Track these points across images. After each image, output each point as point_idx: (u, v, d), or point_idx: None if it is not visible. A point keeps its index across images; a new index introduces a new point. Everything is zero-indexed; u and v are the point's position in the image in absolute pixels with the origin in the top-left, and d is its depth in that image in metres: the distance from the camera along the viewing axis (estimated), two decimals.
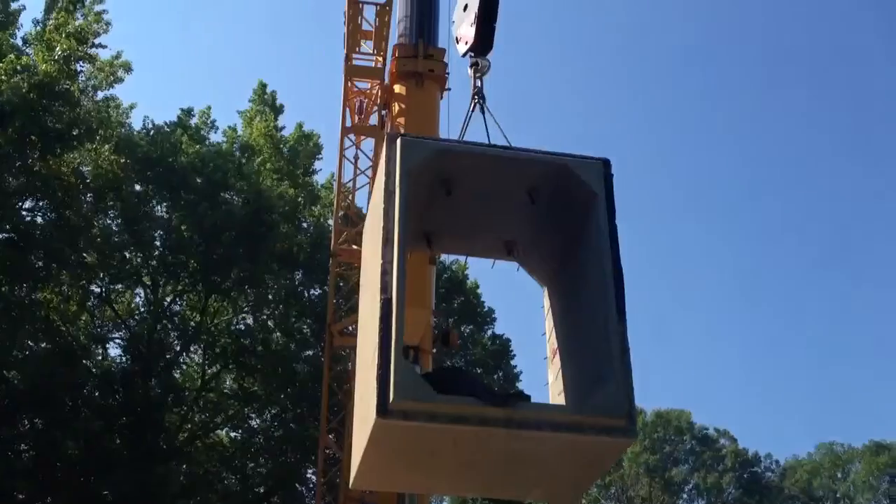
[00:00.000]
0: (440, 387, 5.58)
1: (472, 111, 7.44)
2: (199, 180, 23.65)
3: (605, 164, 6.21)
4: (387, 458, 5.89)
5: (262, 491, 28.33)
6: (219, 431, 28.87)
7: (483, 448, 5.72)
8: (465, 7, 7.91)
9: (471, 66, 7.73)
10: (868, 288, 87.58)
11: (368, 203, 6.97)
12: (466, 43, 7.79)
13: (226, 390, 28.10)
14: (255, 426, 28.35)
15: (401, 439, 5.60)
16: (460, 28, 7.98)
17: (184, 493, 26.85)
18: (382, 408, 5.30)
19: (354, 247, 18.36)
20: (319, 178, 27.23)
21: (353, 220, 19.21)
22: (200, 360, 27.47)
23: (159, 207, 24.64)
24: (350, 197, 19.17)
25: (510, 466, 6.00)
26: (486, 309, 29.83)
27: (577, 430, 5.61)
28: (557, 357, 6.58)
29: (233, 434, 28.88)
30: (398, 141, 5.98)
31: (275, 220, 24.00)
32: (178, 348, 26.57)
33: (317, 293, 25.50)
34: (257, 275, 24.49)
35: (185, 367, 28.05)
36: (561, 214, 6.46)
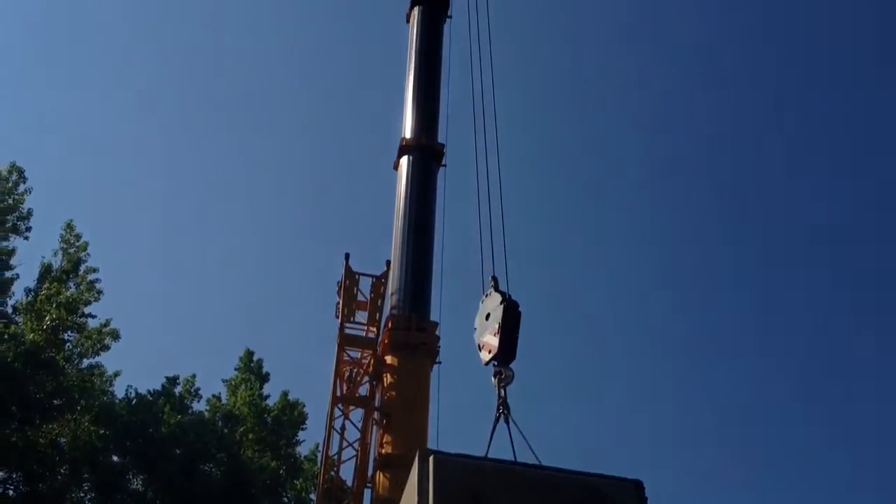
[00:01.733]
0: None
1: (498, 422, 7.52)
2: (178, 451, 22.98)
3: (638, 485, 6.21)
4: None
5: None
6: None
7: None
8: (488, 316, 8.14)
9: (494, 376, 7.85)
10: None
11: None
12: (490, 352, 7.94)
13: None
14: None
15: None
16: (483, 336, 8.14)
17: None
18: None
19: None
20: (303, 449, 26.61)
21: (337, 494, 18.26)
22: None
23: (135, 479, 23.81)
24: (335, 469, 18.32)
25: None
26: None
27: None
28: None
29: None
30: (431, 459, 6.12)
31: (255, 494, 22.99)
32: None
33: None
34: None
35: None
36: None
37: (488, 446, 7.10)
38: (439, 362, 18.43)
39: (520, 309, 7.92)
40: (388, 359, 18.39)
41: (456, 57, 18.29)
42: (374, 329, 18.75)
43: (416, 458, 6.09)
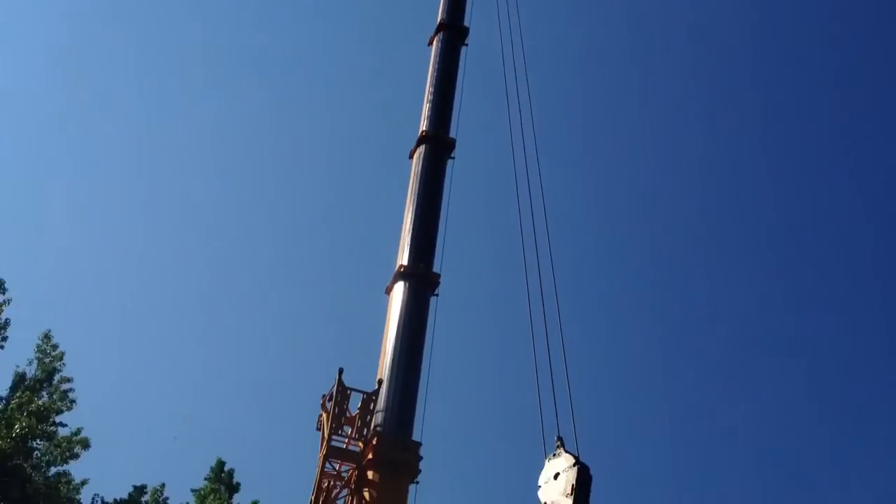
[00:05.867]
0: None
1: None
2: None
3: None
4: None
5: None
6: None
7: None
8: (556, 476, 8.57)
9: None
10: None
11: None
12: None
13: None
14: None
15: None
16: (551, 495, 8.56)
17: None
18: None
19: None
20: None
21: None
22: None
23: None
24: None
25: None
26: None
27: None
28: None
29: None
30: None
31: None
32: None
33: None
34: None
35: None
36: None
37: None
38: (417, 482, 19.12)
39: (590, 473, 8.50)
40: (370, 474, 18.95)
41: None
42: (360, 444, 19.34)
43: None
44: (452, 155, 20.09)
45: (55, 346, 23.30)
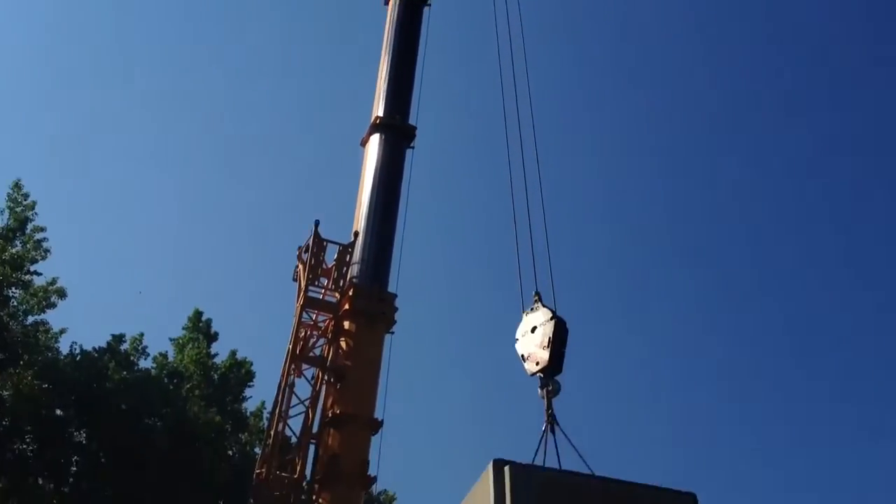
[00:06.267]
0: None
1: (546, 434, 7.88)
2: (122, 406, 23.31)
3: (693, 498, 6.75)
4: None
5: None
6: None
7: None
8: (534, 329, 8.59)
9: (541, 387, 8.32)
10: None
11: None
12: (538, 364, 8.39)
13: None
14: None
15: None
16: (528, 347, 8.58)
17: None
18: None
19: (282, 474, 18.22)
20: (249, 406, 27.14)
21: (283, 447, 19.11)
22: None
23: (78, 433, 24.05)
24: (282, 425, 19.13)
25: None
26: None
27: None
28: None
29: None
30: (507, 469, 6.38)
31: (198, 447, 23.56)
32: None
33: None
34: (177, 501, 23.71)
35: None
36: None
37: (535, 455, 7.58)
38: (392, 332, 19.50)
39: (567, 327, 8.52)
40: (347, 324, 19.31)
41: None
42: (336, 294, 19.60)
43: (491, 468, 6.43)
44: (428, 2, 19.47)
45: (26, 195, 23.07)
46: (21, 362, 22.48)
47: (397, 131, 18.21)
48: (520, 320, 8.82)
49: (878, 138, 61.06)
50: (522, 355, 8.56)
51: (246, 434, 25.66)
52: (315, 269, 19.35)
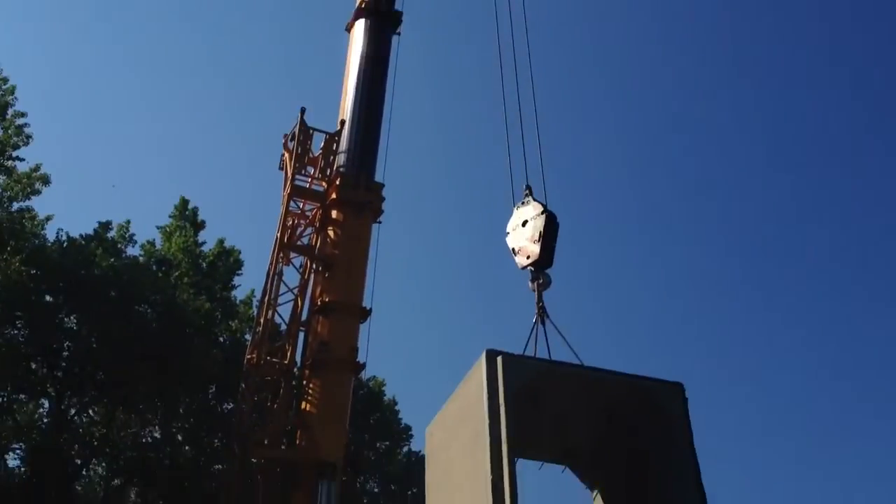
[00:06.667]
0: None
1: (536, 326, 7.85)
2: (112, 293, 23.39)
3: (681, 388, 6.84)
4: None
5: None
6: None
7: None
8: (525, 223, 8.52)
9: (532, 280, 8.26)
10: None
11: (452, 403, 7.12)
12: (528, 257, 8.33)
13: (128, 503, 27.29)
14: None
15: None
16: (519, 241, 8.51)
17: None
18: None
19: (273, 359, 18.55)
20: (238, 294, 27.30)
21: (273, 334, 19.38)
22: (104, 473, 26.72)
23: (69, 318, 24.22)
24: (271, 312, 19.33)
25: None
26: (402, 426, 29.81)
27: None
28: None
29: None
30: (500, 359, 6.39)
31: (189, 333, 23.80)
32: (79, 461, 25.81)
33: (230, 408, 25.13)
34: (168, 388, 24.12)
35: (86, 479, 27.20)
36: (635, 430, 6.98)
37: (525, 347, 7.53)
38: (380, 222, 19.52)
39: (558, 221, 8.35)
40: (334, 213, 19.34)
41: None
42: (323, 183, 19.54)
43: (484, 358, 6.47)
44: None
45: (5, 80, 22.54)
46: (8, 248, 22.43)
47: (383, 17, 17.76)
48: (510, 214, 8.75)
49: None
50: (513, 249, 8.53)
51: (236, 322, 25.86)
52: (301, 158, 19.25)
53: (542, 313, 7.95)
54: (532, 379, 6.54)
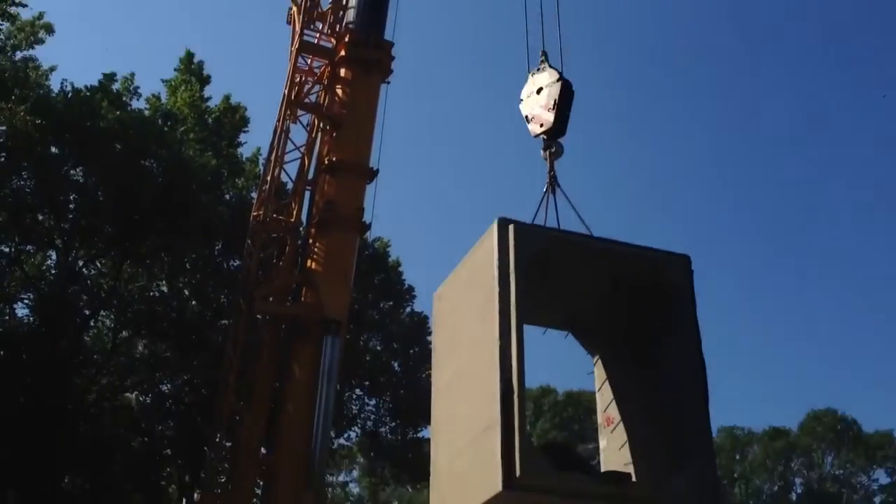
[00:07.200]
0: (553, 462, 6.14)
1: (547, 195, 7.79)
2: (117, 146, 23.24)
3: (687, 259, 6.89)
4: None
5: (169, 453, 28.39)
6: (127, 395, 28.72)
7: None
8: (539, 90, 8.32)
9: (544, 149, 8.14)
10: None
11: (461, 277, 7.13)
12: (542, 125, 8.17)
13: (136, 355, 27.93)
14: (166, 391, 28.28)
15: None
16: (532, 108, 8.34)
17: (89, 451, 26.75)
18: (508, 481, 5.78)
19: (279, 217, 18.65)
20: (245, 151, 27.09)
21: (279, 192, 19.43)
22: (112, 325, 27.25)
23: (75, 171, 24.15)
24: (278, 169, 19.31)
25: None
26: (406, 286, 30.16)
27: None
28: (620, 428, 7.16)
29: (141, 398, 28.75)
30: (511, 228, 6.42)
31: (195, 189, 23.78)
32: (88, 312, 26.28)
33: (235, 264, 25.40)
34: (175, 243, 24.30)
35: (95, 331, 27.78)
36: (640, 300, 7.05)
37: (534, 216, 7.50)
38: (388, 82, 19.23)
39: (573, 89, 8.12)
40: (343, 71, 19.04)
41: None
42: (332, 40, 19.14)
43: (496, 226, 6.47)
44: None
45: None
46: (13, 97, 22.17)
47: None
48: (525, 80, 8.55)
49: None
50: (526, 116, 8.38)
51: (242, 180, 25.78)
52: (310, 13, 18.83)
53: (553, 182, 7.88)
54: (542, 247, 6.58)
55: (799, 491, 57.23)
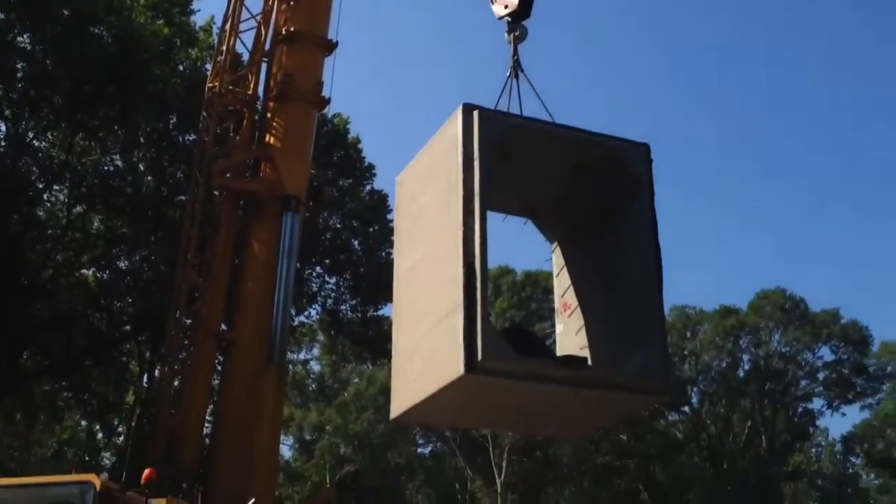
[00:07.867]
0: (513, 345, 6.22)
1: (510, 80, 7.64)
2: (65, 12, 22.18)
3: (646, 148, 6.93)
4: (453, 402, 6.46)
5: (128, 329, 28.40)
6: (84, 271, 28.46)
7: (542, 399, 6.46)
8: None
9: (508, 33, 7.91)
10: None
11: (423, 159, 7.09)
12: (506, 7, 7.93)
13: (92, 231, 27.53)
14: (123, 267, 28.06)
15: (477, 390, 6.18)
16: None
17: (47, 328, 26.67)
18: (470, 365, 5.85)
19: (235, 89, 18.12)
20: (198, 19, 25.99)
21: (235, 63, 18.84)
22: (65, 199, 26.72)
23: (22, 38, 23.07)
24: (234, 39, 18.68)
25: (556, 412, 6.83)
26: (366, 164, 29.84)
27: (626, 390, 6.52)
28: (577, 313, 7.31)
29: (99, 274, 28.51)
30: (475, 114, 6.38)
31: (147, 59, 22.94)
32: (41, 185, 25.69)
33: (191, 139, 24.82)
34: (128, 115, 23.60)
35: (48, 205, 27.26)
36: (599, 188, 7.09)
37: (497, 102, 7.39)
38: None
39: None
40: None
41: None
42: None
43: (460, 112, 6.41)
44: None
45: None
46: None
47: None
48: None
49: None
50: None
51: (196, 50, 24.90)
52: None
53: (517, 67, 7.71)
54: (505, 133, 6.56)
55: (746, 367, 59.10)
